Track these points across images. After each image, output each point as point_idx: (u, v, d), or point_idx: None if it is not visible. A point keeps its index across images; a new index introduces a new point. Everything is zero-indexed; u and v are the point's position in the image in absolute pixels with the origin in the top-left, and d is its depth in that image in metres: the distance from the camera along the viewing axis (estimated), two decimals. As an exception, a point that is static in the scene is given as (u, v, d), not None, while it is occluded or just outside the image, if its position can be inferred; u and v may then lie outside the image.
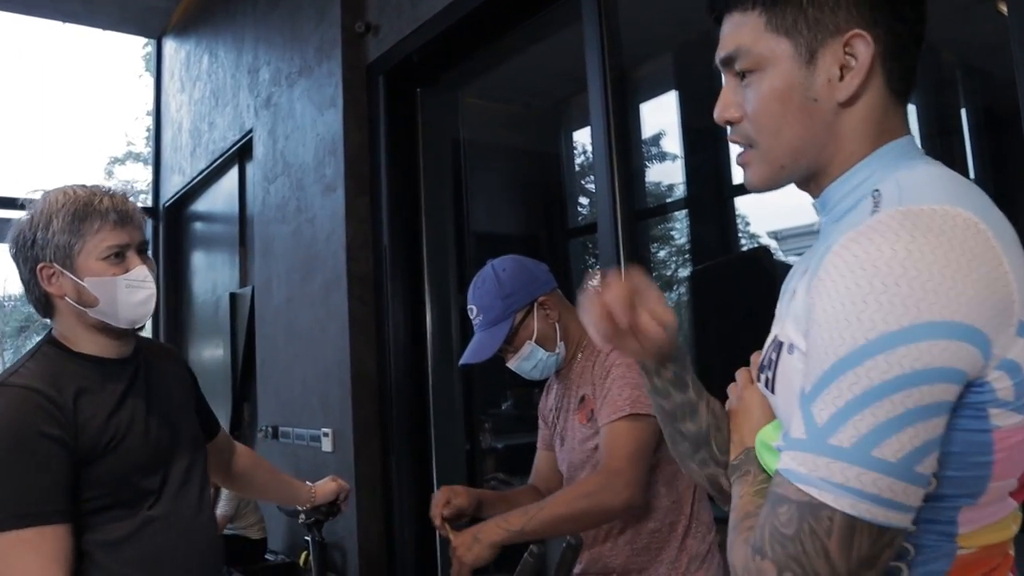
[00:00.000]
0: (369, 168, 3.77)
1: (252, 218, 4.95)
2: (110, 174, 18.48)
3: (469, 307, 1.71)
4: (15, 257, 1.41)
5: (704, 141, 3.83)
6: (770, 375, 0.80)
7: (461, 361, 1.70)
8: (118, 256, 1.38)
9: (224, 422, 5.26)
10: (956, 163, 2.60)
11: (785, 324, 0.79)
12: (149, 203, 7.42)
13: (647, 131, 4.13)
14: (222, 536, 1.54)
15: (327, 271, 3.85)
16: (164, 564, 1.37)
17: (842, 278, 0.65)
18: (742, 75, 0.82)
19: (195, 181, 6.08)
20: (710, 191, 3.93)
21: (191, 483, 1.46)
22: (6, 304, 17.31)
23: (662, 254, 4.53)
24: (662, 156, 4.32)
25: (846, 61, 0.77)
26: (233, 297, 5.40)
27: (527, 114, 4.90)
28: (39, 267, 1.38)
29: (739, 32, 0.81)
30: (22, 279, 1.42)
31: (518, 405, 4.54)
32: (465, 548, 1.47)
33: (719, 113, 0.85)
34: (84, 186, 1.41)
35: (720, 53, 0.84)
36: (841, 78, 0.77)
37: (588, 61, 2.72)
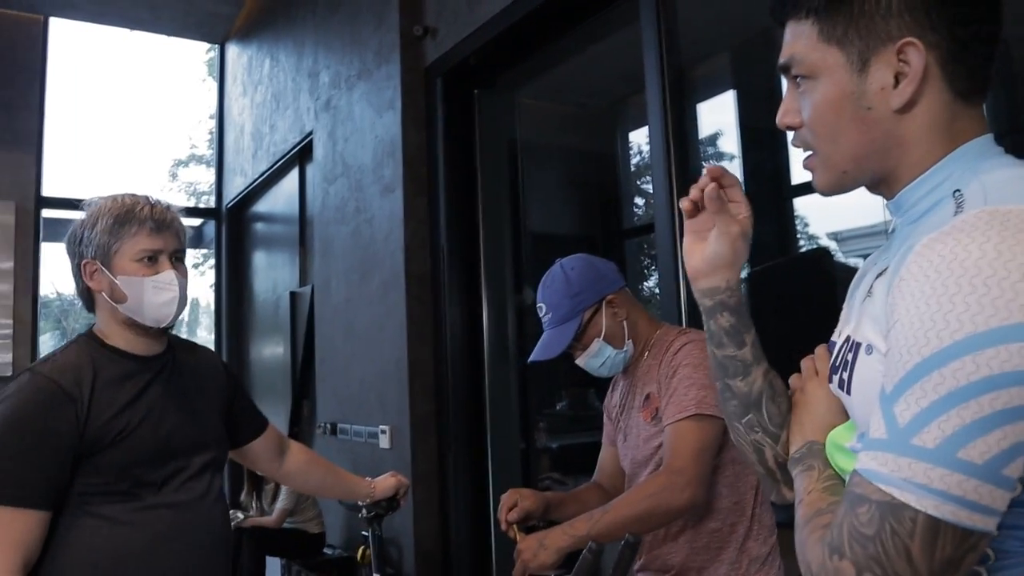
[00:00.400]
0: (427, 169, 3.82)
1: (312, 219, 5.05)
2: (174, 176, 18.93)
3: (538, 305, 1.73)
4: (67, 252, 1.56)
5: (763, 141, 3.80)
6: (845, 376, 0.80)
7: (530, 359, 1.72)
8: (151, 260, 1.51)
9: (284, 418, 5.40)
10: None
11: (862, 324, 0.78)
12: (212, 204, 7.61)
13: (704, 131, 4.10)
14: (231, 531, 1.60)
15: (385, 271, 3.91)
16: (161, 551, 1.45)
17: (927, 278, 0.64)
18: (798, 82, 0.83)
19: (256, 182, 6.22)
20: (769, 191, 3.89)
21: (200, 478, 1.55)
22: (77, 303, 17.86)
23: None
24: (719, 156, 4.29)
25: (900, 68, 0.76)
26: (293, 296, 5.51)
27: (582, 114, 4.90)
28: (83, 263, 1.52)
29: (795, 40, 0.82)
30: (72, 273, 1.56)
31: (573, 405, 4.55)
32: (531, 553, 1.48)
33: (780, 118, 0.86)
34: (134, 195, 1.55)
35: (780, 59, 0.85)
36: (896, 85, 0.76)
37: (646, 61, 2.72)
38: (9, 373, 6.25)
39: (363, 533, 3.91)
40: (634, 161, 4.96)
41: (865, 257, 0.89)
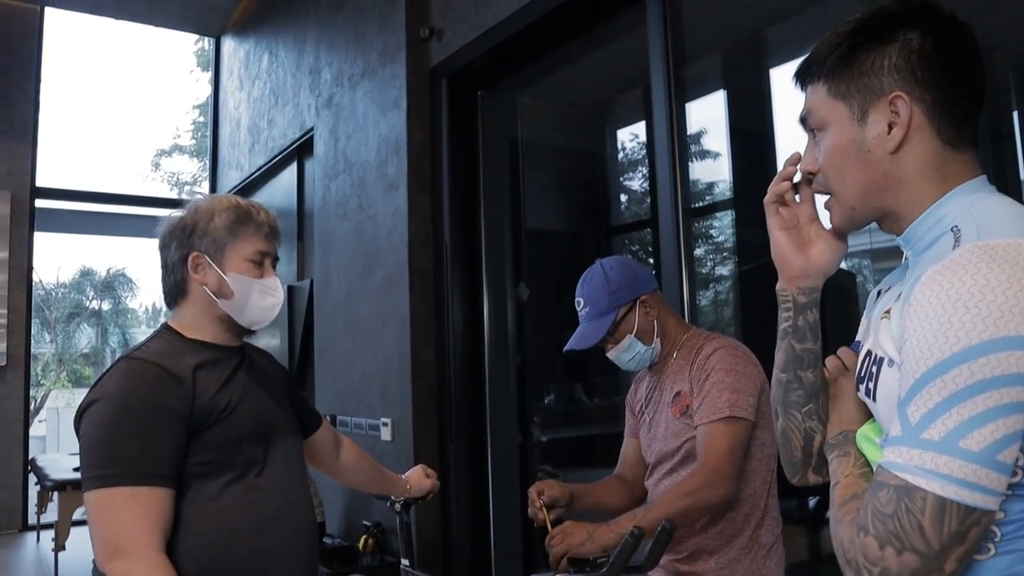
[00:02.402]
0: (431, 167, 3.90)
1: (311, 213, 5.11)
2: (157, 166, 18.83)
3: (577, 300, 1.84)
4: (168, 242, 1.57)
5: (751, 141, 3.90)
6: (871, 386, 0.93)
7: (566, 348, 1.83)
8: (259, 263, 1.56)
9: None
10: (1007, 168, 2.65)
11: (881, 341, 0.92)
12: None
13: (692, 129, 4.19)
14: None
15: (388, 266, 3.99)
16: (267, 531, 1.49)
17: (930, 304, 0.78)
18: (814, 134, 0.99)
19: (253, 176, 6.27)
20: (759, 191, 3.99)
21: (292, 461, 1.60)
22: (58, 292, 17.73)
23: (699, 252, 4.61)
24: (704, 154, 4.39)
25: (892, 118, 0.91)
26: (291, 290, 5.57)
27: (574, 113, 4.99)
28: (192, 255, 1.53)
29: (811, 98, 0.99)
30: (166, 263, 1.58)
31: (560, 400, 4.65)
32: (578, 543, 1.63)
33: (804, 165, 1.02)
34: (246, 199, 1.60)
35: (800, 114, 1.01)
36: (889, 132, 0.91)
37: (652, 63, 2.82)
38: (3, 363, 6.27)
39: (364, 523, 4.00)
40: (620, 157, 5.06)
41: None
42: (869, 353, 0.95)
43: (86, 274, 17.85)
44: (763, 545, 1.71)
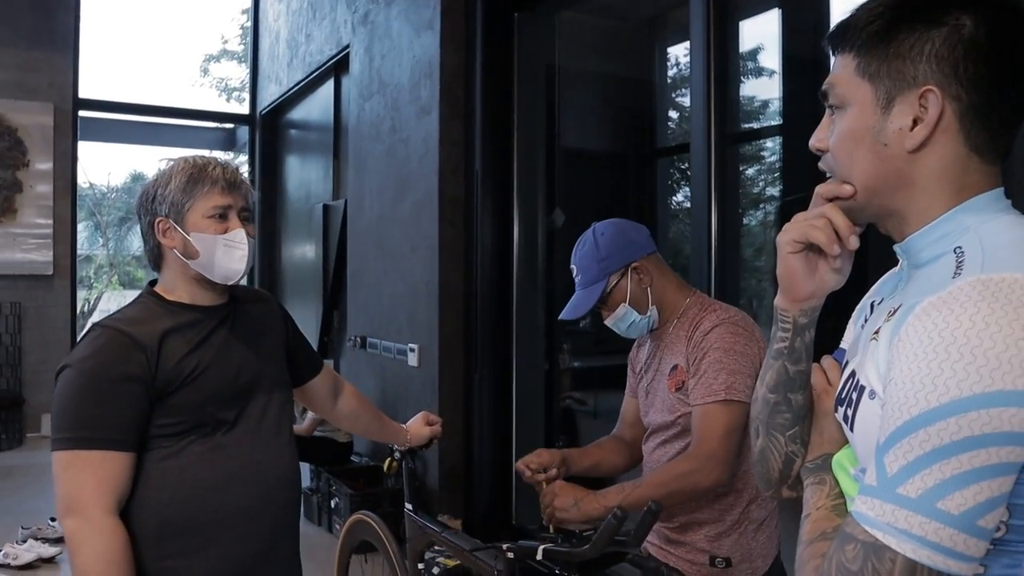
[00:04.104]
0: (464, 92, 3.81)
1: (347, 131, 5.07)
2: (205, 72, 18.81)
3: (571, 266, 1.79)
4: (139, 211, 1.61)
5: (804, 63, 3.72)
6: (850, 412, 0.85)
7: (560, 316, 1.80)
8: (221, 217, 1.56)
9: (315, 327, 5.53)
10: (1013, 183, 2.52)
11: (865, 366, 0.83)
12: (246, 109, 7.62)
13: (745, 47, 4.00)
14: (299, 470, 1.69)
15: (419, 193, 3.95)
16: (231, 487, 1.53)
17: (921, 343, 0.70)
18: (832, 110, 0.87)
19: (291, 91, 6.21)
20: (810, 115, 3.83)
21: (268, 418, 1.62)
22: (110, 195, 18.07)
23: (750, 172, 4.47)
24: (759, 72, 4.20)
25: (920, 113, 0.79)
26: (326, 209, 5.58)
27: (621, 30, 4.81)
28: (156, 221, 1.57)
29: (837, 70, 0.86)
30: (142, 232, 1.62)
31: (596, 324, 4.63)
32: (563, 509, 1.64)
33: (813, 141, 0.90)
34: (203, 157, 1.60)
35: (823, 85, 0.88)
36: (912, 128, 0.80)
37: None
38: (50, 272, 6.43)
39: (390, 447, 4.07)
40: (671, 74, 4.88)
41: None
42: (853, 375, 0.87)
43: (137, 178, 18.11)
44: (754, 520, 1.69)
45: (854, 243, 0.86)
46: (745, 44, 3.88)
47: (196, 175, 1.54)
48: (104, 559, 1.39)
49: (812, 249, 0.89)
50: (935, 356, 0.69)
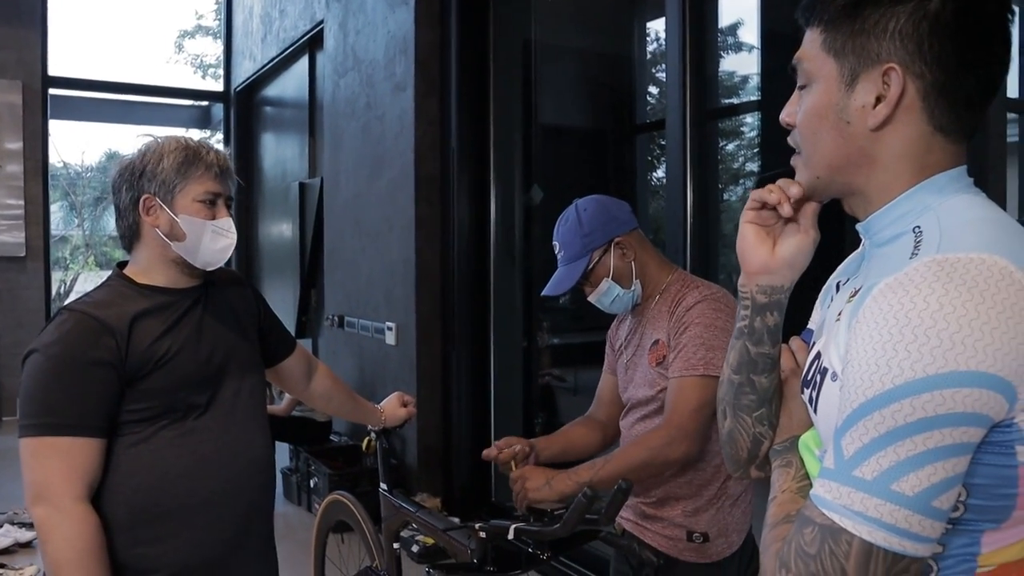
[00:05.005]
0: (440, 68, 3.77)
1: (322, 108, 5.01)
2: (180, 48, 18.55)
3: (553, 243, 1.78)
4: (119, 185, 1.54)
5: (783, 38, 3.71)
6: (814, 395, 0.85)
7: (543, 292, 1.80)
8: (211, 203, 1.53)
9: (292, 306, 5.50)
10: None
11: (829, 348, 0.83)
12: (220, 87, 7.52)
13: (724, 22, 3.98)
14: (273, 453, 1.68)
15: (395, 170, 3.91)
16: (202, 472, 1.52)
17: (876, 325, 0.70)
18: (800, 86, 0.86)
19: (266, 68, 6.13)
20: (788, 91, 3.82)
21: (240, 401, 1.60)
22: (84, 175, 17.84)
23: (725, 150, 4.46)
24: (738, 47, 4.19)
25: (883, 91, 0.78)
26: (302, 187, 5.52)
27: (598, 4, 4.77)
28: (143, 197, 1.51)
29: (806, 46, 0.85)
30: (118, 206, 1.56)
31: (575, 300, 4.63)
32: (535, 488, 1.64)
33: (783, 115, 0.89)
34: (193, 139, 1.57)
35: (792, 60, 0.87)
36: (875, 106, 0.79)
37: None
38: (23, 253, 6.34)
39: (368, 427, 4.07)
40: (650, 49, 4.85)
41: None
42: (818, 356, 0.87)
43: (112, 157, 17.88)
44: (731, 495, 1.70)
45: (799, 199, 0.88)
46: (724, 19, 3.86)
47: (191, 157, 1.51)
48: (75, 547, 1.37)
49: (767, 221, 0.92)
50: (890, 338, 0.69)
